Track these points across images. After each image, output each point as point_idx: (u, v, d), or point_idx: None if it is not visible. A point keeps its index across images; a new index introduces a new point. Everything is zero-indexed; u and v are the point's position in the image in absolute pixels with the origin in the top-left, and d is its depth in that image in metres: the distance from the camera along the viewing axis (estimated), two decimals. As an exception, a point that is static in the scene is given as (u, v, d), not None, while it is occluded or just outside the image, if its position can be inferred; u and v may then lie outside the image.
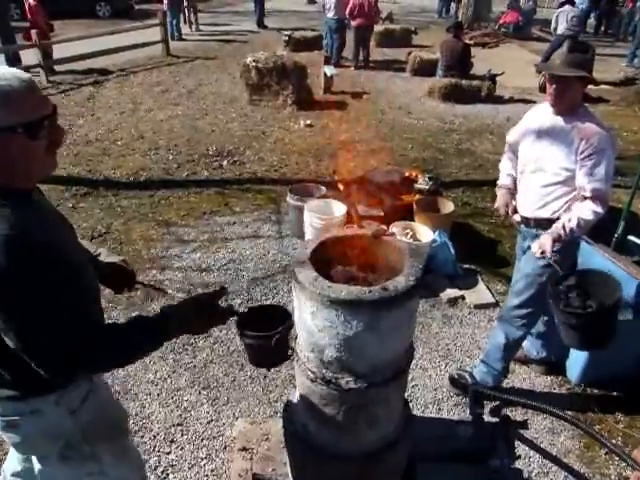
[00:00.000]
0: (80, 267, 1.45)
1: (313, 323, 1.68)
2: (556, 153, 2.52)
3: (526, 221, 2.75)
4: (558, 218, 2.54)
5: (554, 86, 2.45)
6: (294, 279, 1.73)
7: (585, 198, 2.46)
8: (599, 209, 2.41)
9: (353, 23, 10.67)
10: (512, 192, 2.84)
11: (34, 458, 1.61)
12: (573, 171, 2.47)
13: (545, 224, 2.58)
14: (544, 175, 2.57)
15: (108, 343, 1.37)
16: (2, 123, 1.23)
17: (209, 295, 1.59)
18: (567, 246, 2.58)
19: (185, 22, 14.84)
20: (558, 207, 2.57)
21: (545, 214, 2.62)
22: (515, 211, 2.79)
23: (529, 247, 2.67)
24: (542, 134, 2.60)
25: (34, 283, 1.23)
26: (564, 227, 2.43)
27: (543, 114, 2.64)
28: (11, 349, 1.28)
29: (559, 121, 2.53)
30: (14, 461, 1.73)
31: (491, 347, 2.94)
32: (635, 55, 12.13)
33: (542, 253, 2.41)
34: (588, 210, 2.42)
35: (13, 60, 9.99)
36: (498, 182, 2.94)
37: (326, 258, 1.88)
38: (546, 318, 2.92)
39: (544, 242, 2.42)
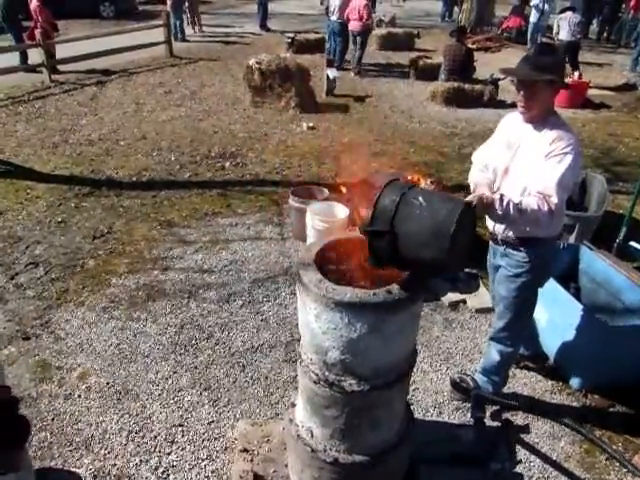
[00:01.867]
0: None
1: (317, 325, 1.69)
2: (525, 166, 2.35)
3: (495, 237, 2.63)
4: (528, 238, 2.44)
5: (522, 92, 2.32)
6: (298, 281, 1.74)
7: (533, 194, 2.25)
8: (544, 208, 2.16)
9: (349, 27, 10.73)
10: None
11: None
12: None
13: (515, 242, 2.48)
14: (513, 190, 2.36)
15: None
16: None
17: None
18: (541, 249, 2.50)
19: (188, 23, 14.89)
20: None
21: (513, 232, 2.49)
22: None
23: (499, 266, 2.65)
24: (511, 147, 2.45)
25: None
26: (502, 198, 2.17)
27: (513, 125, 2.50)
28: None
29: (529, 131, 2.39)
30: None
31: (487, 362, 2.92)
32: (638, 62, 12.15)
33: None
34: (533, 200, 2.19)
35: (25, 58, 10.12)
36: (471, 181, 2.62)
37: (330, 261, 1.89)
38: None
39: (476, 199, 2.11)
